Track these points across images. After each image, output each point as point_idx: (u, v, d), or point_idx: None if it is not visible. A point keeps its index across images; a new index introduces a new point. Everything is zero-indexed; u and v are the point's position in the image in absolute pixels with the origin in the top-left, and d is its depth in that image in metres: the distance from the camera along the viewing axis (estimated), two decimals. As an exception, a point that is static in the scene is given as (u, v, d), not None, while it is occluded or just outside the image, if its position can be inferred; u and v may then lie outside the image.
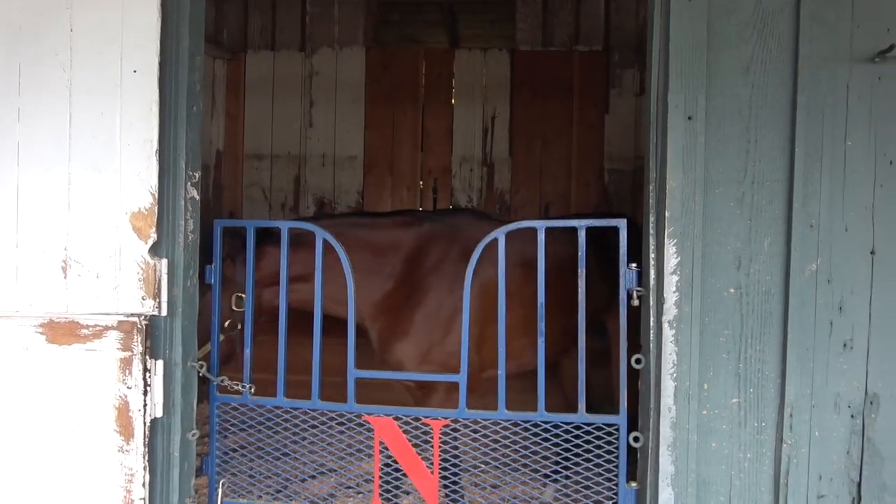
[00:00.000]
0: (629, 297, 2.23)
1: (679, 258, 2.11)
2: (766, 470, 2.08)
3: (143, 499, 2.17)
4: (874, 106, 2.10)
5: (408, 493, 2.95)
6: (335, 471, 3.53)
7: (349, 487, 3.03)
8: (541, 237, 2.33)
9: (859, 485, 2.07)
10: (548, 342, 2.33)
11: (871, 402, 2.06)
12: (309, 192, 5.76)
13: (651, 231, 2.19)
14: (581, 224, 2.32)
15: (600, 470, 2.19)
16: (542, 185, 5.43)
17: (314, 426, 2.58)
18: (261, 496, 2.65)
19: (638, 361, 2.20)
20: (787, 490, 2.06)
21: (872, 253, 2.08)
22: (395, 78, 5.62)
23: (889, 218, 2.07)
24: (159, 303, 2.19)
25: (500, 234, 2.36)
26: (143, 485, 2.16)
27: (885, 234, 2.07)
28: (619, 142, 5.33)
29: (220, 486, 2.46)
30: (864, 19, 2.09)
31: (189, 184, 2.31)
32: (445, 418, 2.28)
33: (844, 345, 2.08)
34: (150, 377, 2.18)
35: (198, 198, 2.34)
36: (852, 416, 2.07)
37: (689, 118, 2.12)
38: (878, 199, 2.09)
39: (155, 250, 2.21)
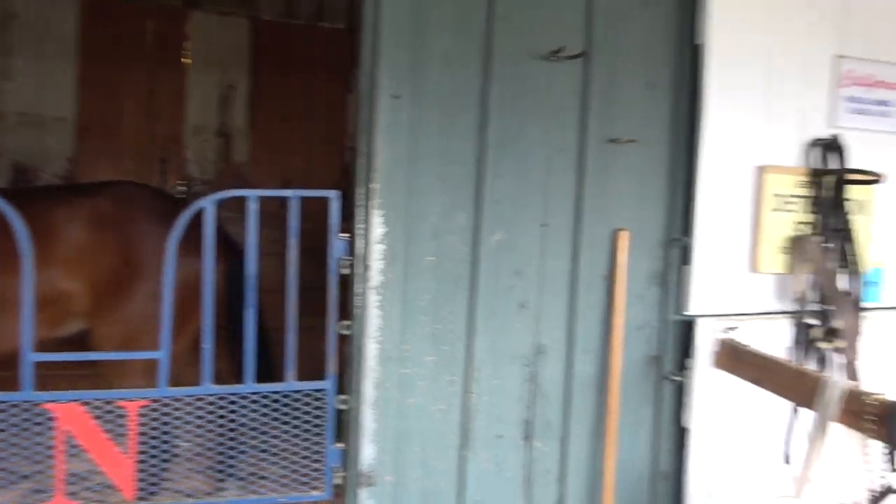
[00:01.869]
0: (339, 265, 2.30)
1: (386, 229, 2.24)
2: (455, 419, 2.32)
3: None
4: (549, 99, 2.44)
5: (109, 486, 2.70)
6: (29, 476, 3.07)
7: (42, 492, 2.66)
8: (253, 207, 2.27)
9: (531, 423, 2.42)
10: None
11: (540, 353, 2.42)
12: (5, 157, 4.89)
13: (361, 203, 2.28)
14: (294, 194, 2.31)
15: (309, 435, 2.24)
16: (282, 161, 5.31)
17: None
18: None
19: (348, 328, 2.28)
20: (472, 434, 2.32)
21: (544, 225, 2.43)
22: (117, 32, 5.01)
23: (557, 196, 2.44)
24: None
25: (208, 202, 2.25)
26: None
27: (554, 210, 2.44)
28: (361, 121, 5.43)
29: None
30: (543, 22, 2.41)
31: None
32: (143, 398, 2.12)
33: (521, 305, 2.40)
34: None
35: None
36: (525, 365, 2.41)
37: (396, 97, 2.25)
38: (549, 180, 2.44)
39: None
